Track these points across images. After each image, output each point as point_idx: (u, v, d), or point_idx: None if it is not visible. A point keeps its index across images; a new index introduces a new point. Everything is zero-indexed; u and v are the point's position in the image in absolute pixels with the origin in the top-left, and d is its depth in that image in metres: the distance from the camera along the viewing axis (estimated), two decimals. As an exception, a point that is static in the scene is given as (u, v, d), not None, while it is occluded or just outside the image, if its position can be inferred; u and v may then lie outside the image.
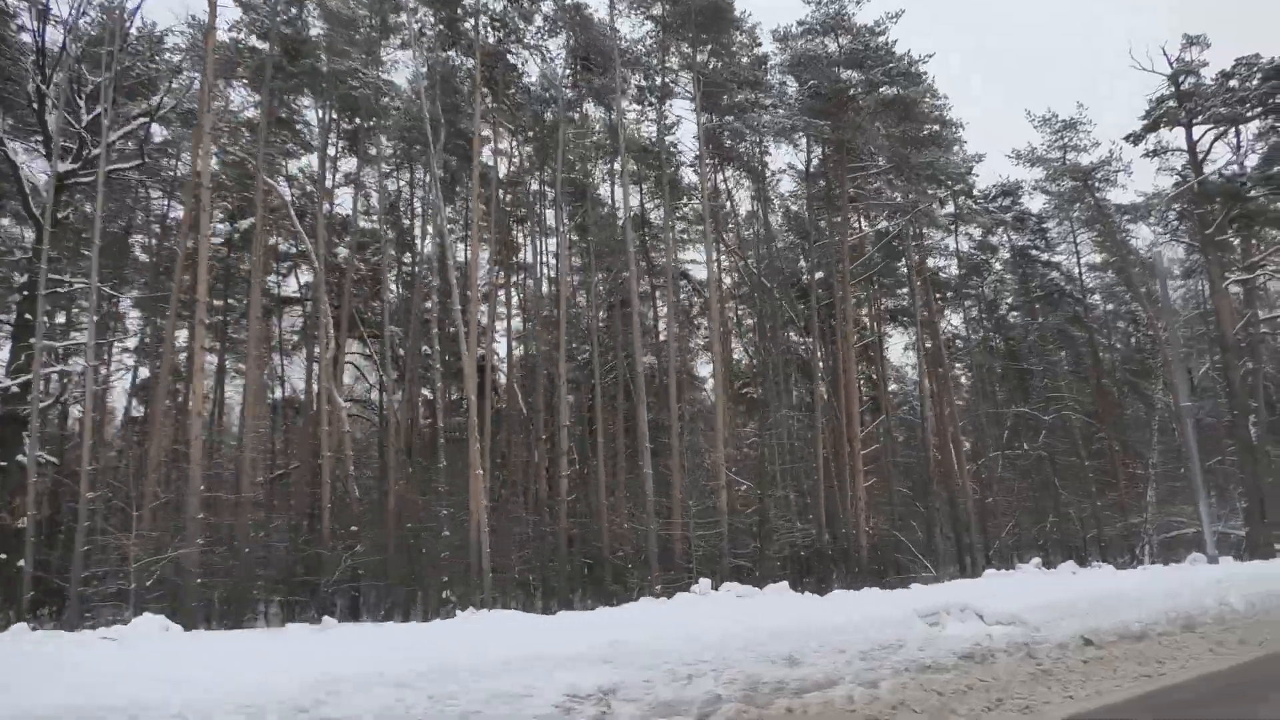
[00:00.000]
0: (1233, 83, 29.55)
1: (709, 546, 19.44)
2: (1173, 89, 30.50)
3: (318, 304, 23.92)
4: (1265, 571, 14.35)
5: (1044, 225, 38.42)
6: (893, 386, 45.28)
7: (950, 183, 31.51)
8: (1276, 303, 42.86)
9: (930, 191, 28.23)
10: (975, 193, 35.47)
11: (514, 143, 33.47)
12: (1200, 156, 30.73)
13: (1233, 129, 30.96)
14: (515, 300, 34.14)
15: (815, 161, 27.73)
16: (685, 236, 36.79)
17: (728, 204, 34.59)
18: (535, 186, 33.34)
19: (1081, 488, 36.28)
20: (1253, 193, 29.73)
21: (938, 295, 39.58)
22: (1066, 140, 34.96)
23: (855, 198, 27.63)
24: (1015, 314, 39.89)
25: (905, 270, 35.69)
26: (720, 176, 34.51)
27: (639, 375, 19.96)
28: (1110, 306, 40.59)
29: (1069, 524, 36.81)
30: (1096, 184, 34.84)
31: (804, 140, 27.82)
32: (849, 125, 24.63)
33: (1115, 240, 34.19)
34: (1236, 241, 32.70)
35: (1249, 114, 30.04)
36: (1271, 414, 43.35)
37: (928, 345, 35.19)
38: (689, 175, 33.85)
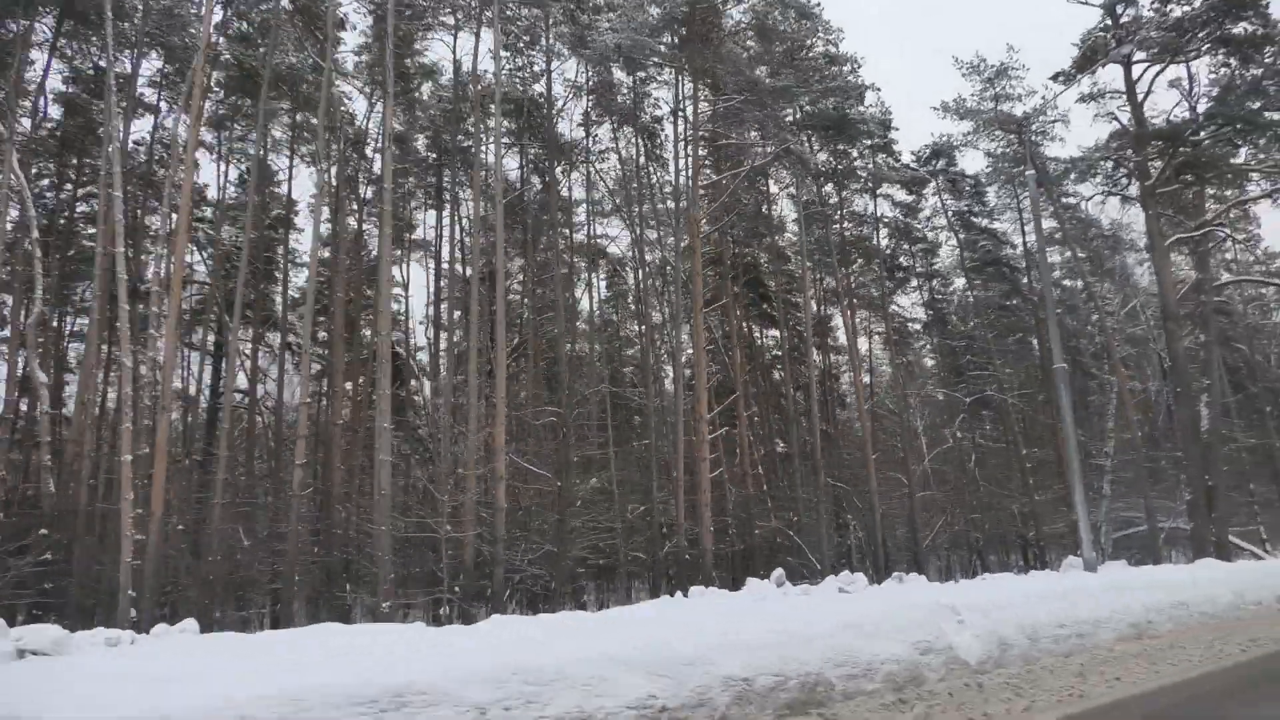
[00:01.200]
0: (1174, 9, 25.54)
1: (487, 550, 15.56)
2: (1108, 21, 26.54)
3: (170, 286, 20.10)
4: (1126, 582, 10.43)
5: (981, 189, 34.42)
6: (866, 378, 41.63)
7: (846, 130, 27.58)
8: (1234, 268, 38.85)
9: (801, 135, 24.22)
10: (895, 149, 31.52)
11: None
12: (1140, 98, 26.71)
13: (1178, 66, 26.98)
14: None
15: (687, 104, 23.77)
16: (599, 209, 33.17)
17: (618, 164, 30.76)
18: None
19: (1022, 480, 32.32)
20: (1199, 135, 25.67)
21: (884, 269, 35.77)
22: (998, 89, 31.03)
23: (713, 138, 23.60)
24: (951, 288, 35.91)
25: (826, 239, 31.87)
26: (612, 135, 30.68)
27: (385, 350, 16.08)
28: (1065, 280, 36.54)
29: (1009, 520, 32.87)
30: (1033, 138, 30.88)
31: (672, 76, 23.89)
32: (707, 52, 20.67)
33: (1053, 199, 30.13)
34: (1190, 195, 28.69)
35: (1195, 47, 26.00)
36: (1236, 392, 39.48)
37: (846, 322, 31.29)
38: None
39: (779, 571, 11.19)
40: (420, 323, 34.24)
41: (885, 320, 37.30)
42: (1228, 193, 29.76)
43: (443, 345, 27.00)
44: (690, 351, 20.75)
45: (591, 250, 34.64)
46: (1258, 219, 39.64)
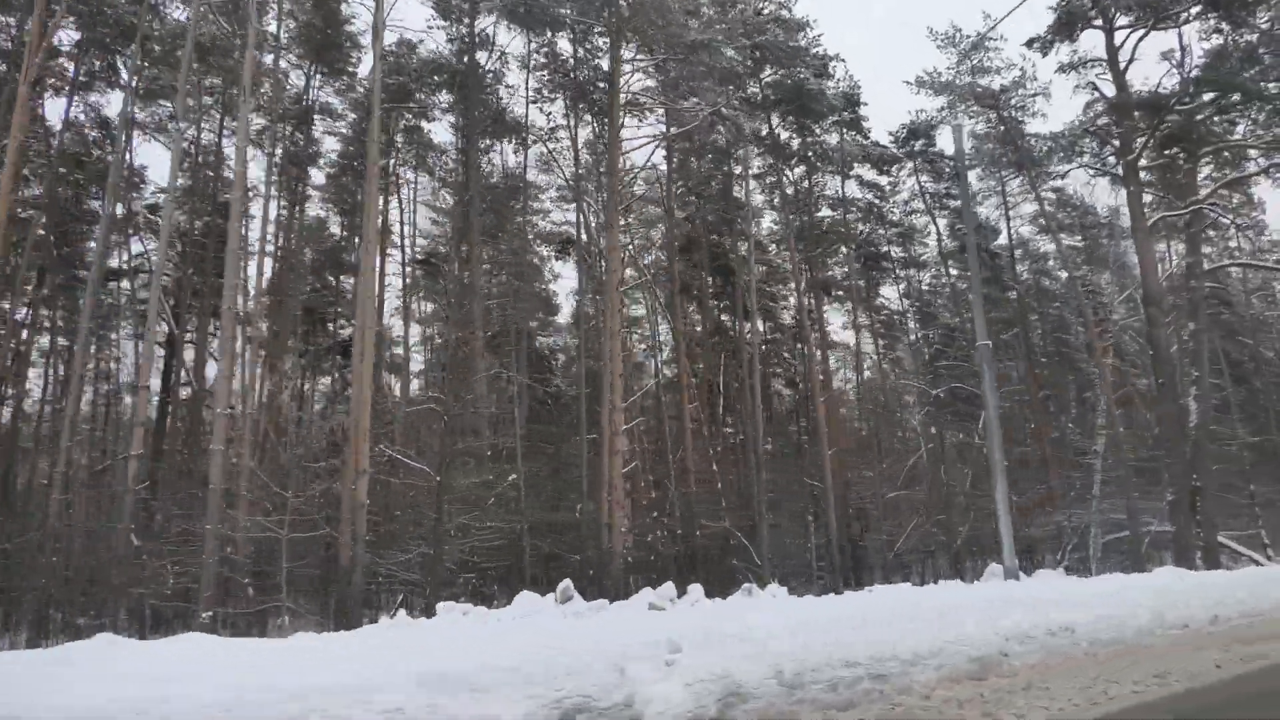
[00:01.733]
0: (1158, -33, 23.48)
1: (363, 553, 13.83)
2: (1089, -18, 24.50)
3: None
4: (1032, 595, 8.58)
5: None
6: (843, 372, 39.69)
7: (808, 105, 25.70)
8: (1238, 256, 36.55)
9: (731, 99, 22.26)
10: (865, 126, 29.56)
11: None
12: (1123, 66, 24.62)
13: (1167, 34, 24.89)
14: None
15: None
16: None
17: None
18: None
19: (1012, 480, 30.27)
20: (1187, 105, 23.58)
21: (857, 255, 33.85)
22: (975, 62, 29.03)
23: (636, 104, 21.73)
24: (932, 277, 33.90)
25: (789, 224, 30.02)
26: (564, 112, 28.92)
27: (229, 327, 14.42)
28: (1049, 269, 34.43)
29: (985, 523, 30.81)
30: (1012, 114, 28.87)
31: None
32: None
33: (1032, 181, 28.10)
34: (1181, 174, 26.54)
35: (1181, 9, 23.92)
36: (1239, 387, 37.15)
37: (810, 310, 29.42)
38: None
39: (565, 583, 9.43)
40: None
41: (852, 304, 35.43)
42: (1225, 172, 27.56)
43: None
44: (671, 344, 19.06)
45: (559, 237, 33.03)
46: (1262, 204, 37.30)
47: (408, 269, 32.03)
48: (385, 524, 15.48)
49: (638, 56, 19.26)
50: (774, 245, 37.32)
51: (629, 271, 33.25)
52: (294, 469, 13.12)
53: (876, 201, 31.45)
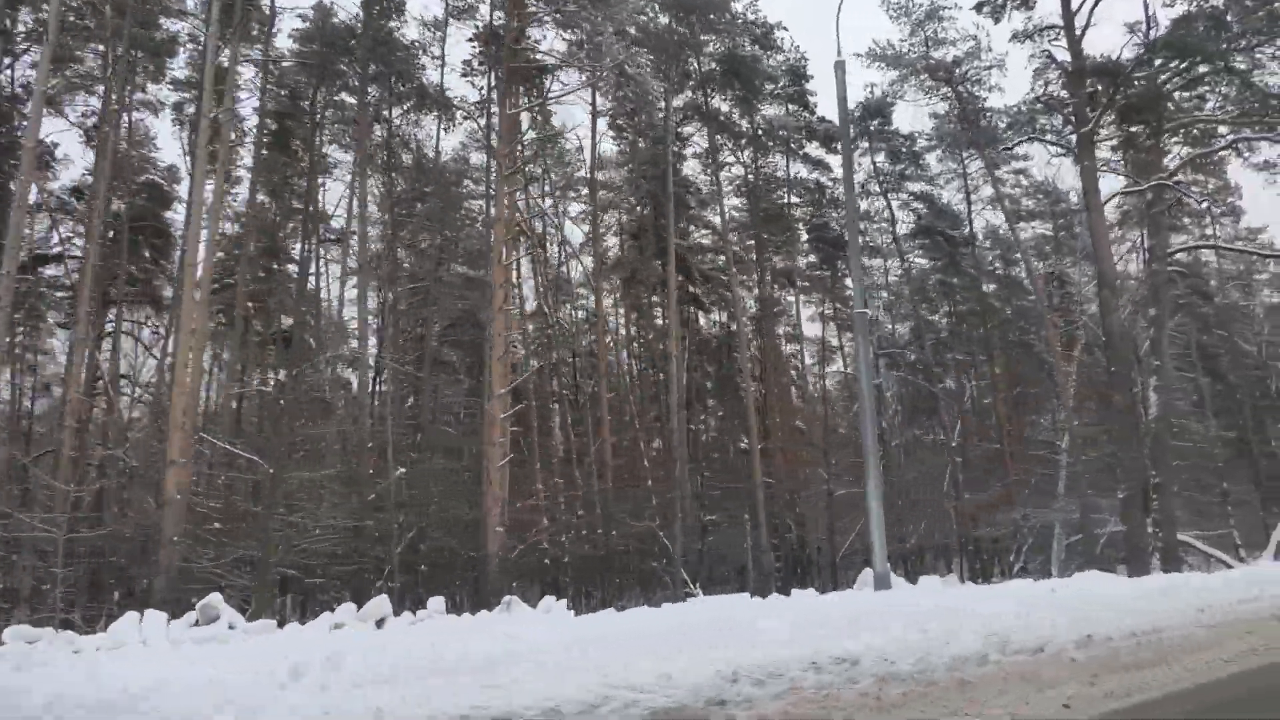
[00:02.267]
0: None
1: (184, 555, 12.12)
2: (1041, -59, 22.83)
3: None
4: (866, 608, 6.89)
5: (917, 149, 30.66)
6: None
7: (746, 77, 23.99)
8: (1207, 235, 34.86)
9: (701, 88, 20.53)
10: (812, 101, 27.84)
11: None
12: (1079, 31, 22.87)
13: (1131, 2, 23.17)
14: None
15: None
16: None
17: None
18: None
19: (952, 478, 28.58)
20: (1144, 71, 21.88)
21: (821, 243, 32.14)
22: (929, 33, 27.33)
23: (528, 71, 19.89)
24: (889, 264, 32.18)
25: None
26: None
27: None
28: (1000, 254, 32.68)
29: (944, 523, 29.07)
30: (968, 89, 27.19)
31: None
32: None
33: (985, 158, 26.40)
34: (1145, 150, 24.82)
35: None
36: (1215, 381, 35.48)
37: (754, 296, 27.75)
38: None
39: (208, 600, 7.70)
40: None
41: (820, 295, 33.81)
42: (1188, 149, 25.81)
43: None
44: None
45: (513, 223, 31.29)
46: (1238, 189, 35.61)
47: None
48: (224, 522, 13.76)
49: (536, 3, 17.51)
50: (733, 234, 35.67)
51: (587, 260, 31.65)
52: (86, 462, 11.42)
53: (828, 183, 29.74)
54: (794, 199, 29.81)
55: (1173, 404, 23.40)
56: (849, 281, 35.25)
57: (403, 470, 16.77)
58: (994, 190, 26.79)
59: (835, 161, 28.75)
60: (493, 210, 17.19)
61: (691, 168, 31.58)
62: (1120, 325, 21.14)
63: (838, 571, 27.88)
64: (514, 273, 18.35)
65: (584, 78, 20.20)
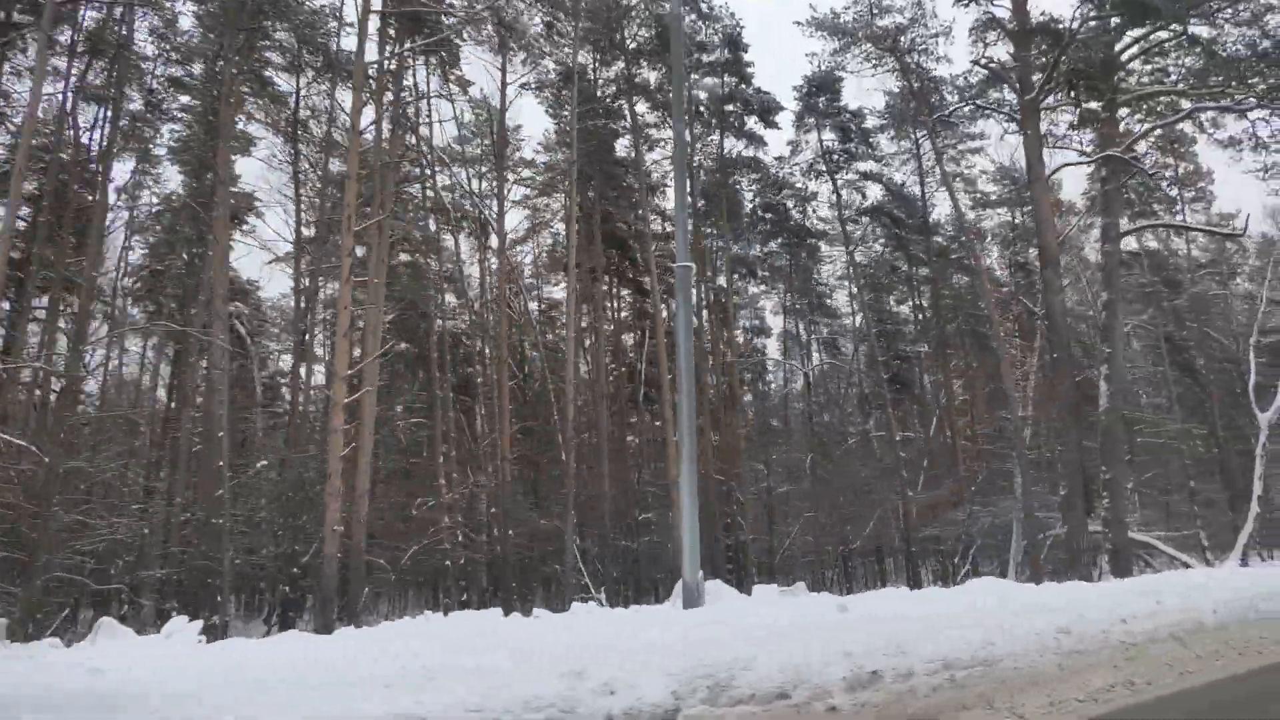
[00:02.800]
0: None
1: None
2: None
3: None
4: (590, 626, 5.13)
5: (866, 126, 28.89)
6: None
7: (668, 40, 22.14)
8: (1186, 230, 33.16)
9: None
10: (748, 73, 26.05)
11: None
12: (1024, -6, 21.13)
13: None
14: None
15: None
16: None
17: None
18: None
19: (916, 475, 26.82)
20: (1091, 31, 20.13)
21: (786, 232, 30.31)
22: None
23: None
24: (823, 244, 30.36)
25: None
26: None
27: None
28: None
29: (885, 525, 27.30)
30: (914, 60, 25.44)
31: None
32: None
33: (930, 131, 24.63)
34: (1099, 124, 23.09)
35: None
36: (1185, 375, 33.84)
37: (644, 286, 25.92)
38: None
39: None
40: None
41: (783, 285, 32.04)
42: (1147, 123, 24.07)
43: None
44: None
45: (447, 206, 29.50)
46: (1210, 174, 33.97)
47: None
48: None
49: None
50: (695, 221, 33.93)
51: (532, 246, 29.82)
52: None
53: (771, 161, 27.98)
54: (745, 184, 28.02)
55: (1125, 394, 21.66)
56: (821, 270, 33.54)
57: (265, 462, 14.94)
58: (939, 167, 25.00)
59: (775, 137, 26.95)
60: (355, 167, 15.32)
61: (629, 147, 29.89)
62: (1063, 307, 19.41)
63: (775, 575, 26.15)
64: (386, 247, 16.54)
65: (480, 35, 18.40)
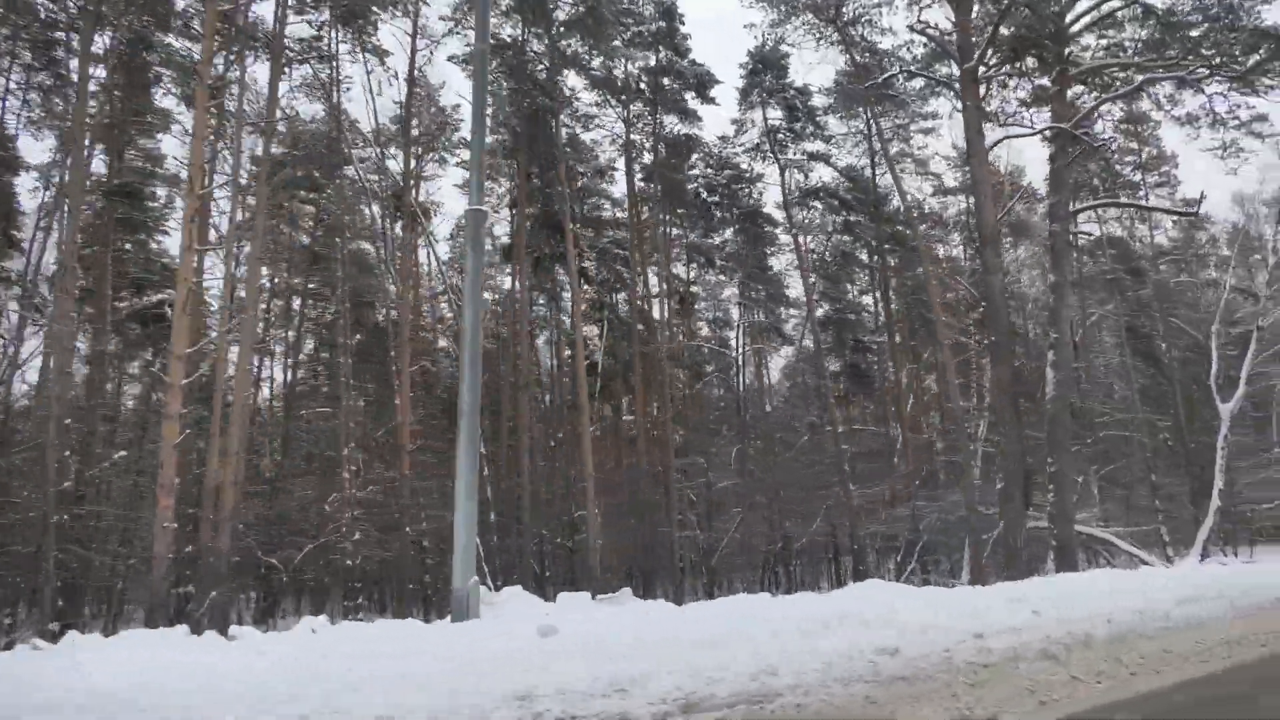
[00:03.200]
0: None
1: None
2: None
3: None
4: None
5: (813, 105, 27.55)
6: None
7: (600, 20, 20.81)
8: (1150, 217, 32.10)
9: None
10: (683, 45, 24.66)
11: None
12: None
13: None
14: None
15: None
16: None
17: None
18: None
19: (858, 469, 25.54)
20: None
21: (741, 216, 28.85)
22: (816, -33, 24.24)
23: None
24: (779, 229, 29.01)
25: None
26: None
27: None
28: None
29: (834, 521, 25.99)
30: (859, 33, 24.12)
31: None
32: None
33: (868, 106, 23.31)
34: (1050, 97, 21.84)
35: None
36: (1149, 366, 32.74)
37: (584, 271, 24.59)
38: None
39: None
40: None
41: (711, 265, 30.72)
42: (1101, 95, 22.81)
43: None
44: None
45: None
46: (1174, 158, 32.85)
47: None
48: None
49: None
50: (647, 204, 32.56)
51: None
52: None
53: (715, 141, 26.60)
54: (686, 165, 26.60)
55: (1073, 382, 20.43)
56: (773, 261, 32.03)
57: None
58: (879, 142, 23.69)
59: (717, 116, 25.50)
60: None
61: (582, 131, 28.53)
62: (1003, 288, 18.13)
63: (715, 574, 24.84)
64: (263, 219, 15.05)
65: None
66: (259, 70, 25.03)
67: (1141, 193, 32.59)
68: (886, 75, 20.81)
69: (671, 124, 25.82)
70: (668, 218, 29.84)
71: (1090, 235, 27.99)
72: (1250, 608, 8.68)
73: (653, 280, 30.86)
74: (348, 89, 22.76)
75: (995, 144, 19.38)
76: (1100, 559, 28.59)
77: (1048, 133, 20.40)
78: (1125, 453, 29.09)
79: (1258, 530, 34.38)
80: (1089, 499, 27.82)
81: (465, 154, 30.60)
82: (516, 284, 29.19)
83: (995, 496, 22.41)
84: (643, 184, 29.82)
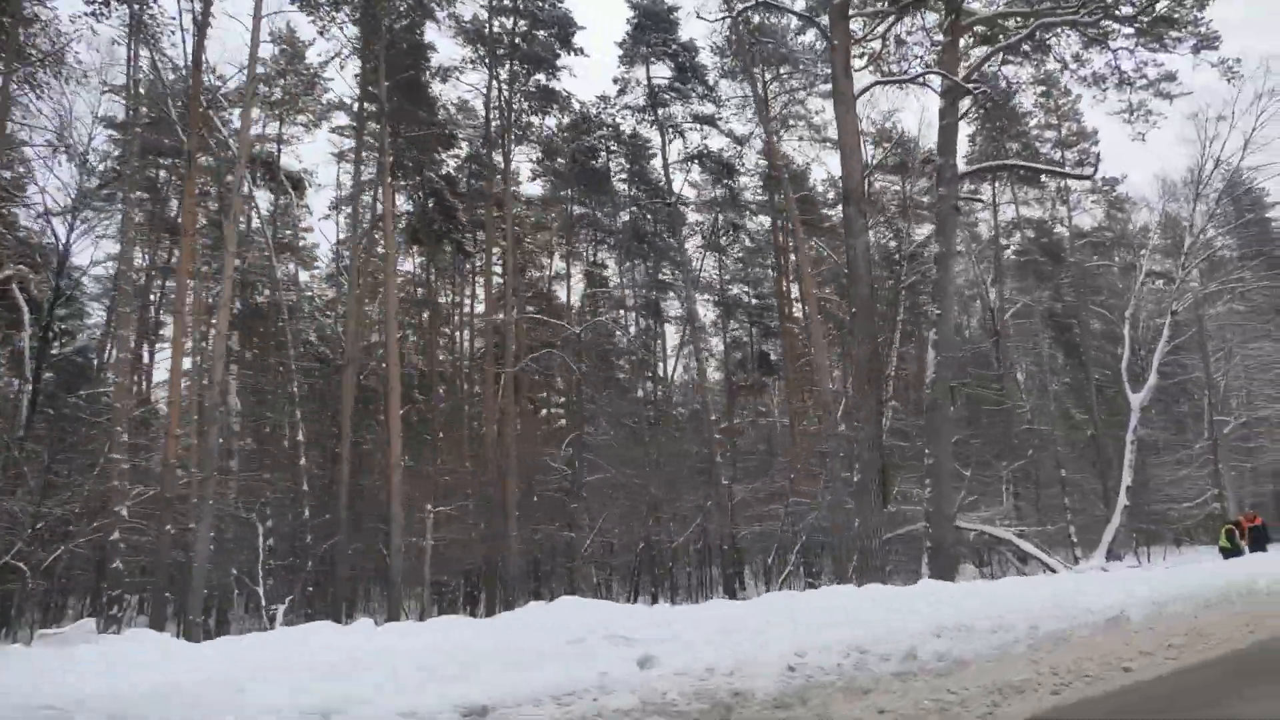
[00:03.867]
0: None
1: None
2: None
3: None
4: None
5: (700, 62, 25.05)
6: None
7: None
8: (1070, 199, 30.14)
9: None
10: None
11: None
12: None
13: None
14: None
15: None
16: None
17: None
18: None
19: (738, 464, 23.19)
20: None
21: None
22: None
23: None
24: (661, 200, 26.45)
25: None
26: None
27: None
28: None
29: (708, 521, 23.55)
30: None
31: None
32: None
33: (754, 63, 20.89)
34: (940, 49, 19.61)
35: None
36: (1068, 357, 30.88)
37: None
38: None
39: None
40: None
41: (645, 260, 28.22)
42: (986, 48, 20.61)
43: None
44: None
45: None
46: (1095, 134, 30.90)
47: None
48: None
49: None
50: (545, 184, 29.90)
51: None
52: None
53: (593, 101, 23.96)
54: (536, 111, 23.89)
55: (955, 364, 18.18)
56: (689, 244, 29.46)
57: None
58: (755, 94, 21.28)
59: (583, 65, 22.95)
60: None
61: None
62: (866, 252, 15.78)
63: (575, 576, 22.30)
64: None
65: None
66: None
67: (1065, 183, 30.59)
68: (745, 6, 18.28)
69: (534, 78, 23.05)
70: (569, 193, 27.23)
71: (982, 200, 25.69)
72: (1047, 637, 6.28)
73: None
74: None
75: (865, 89, 17.00)
76: (1007, 562, 26.62)
77: (938, 86, 18.12)
78: (1037, 446, 27.15)
79: (1183, 530, 32.72)
80: (996, 497, 25.84)
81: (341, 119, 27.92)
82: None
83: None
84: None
